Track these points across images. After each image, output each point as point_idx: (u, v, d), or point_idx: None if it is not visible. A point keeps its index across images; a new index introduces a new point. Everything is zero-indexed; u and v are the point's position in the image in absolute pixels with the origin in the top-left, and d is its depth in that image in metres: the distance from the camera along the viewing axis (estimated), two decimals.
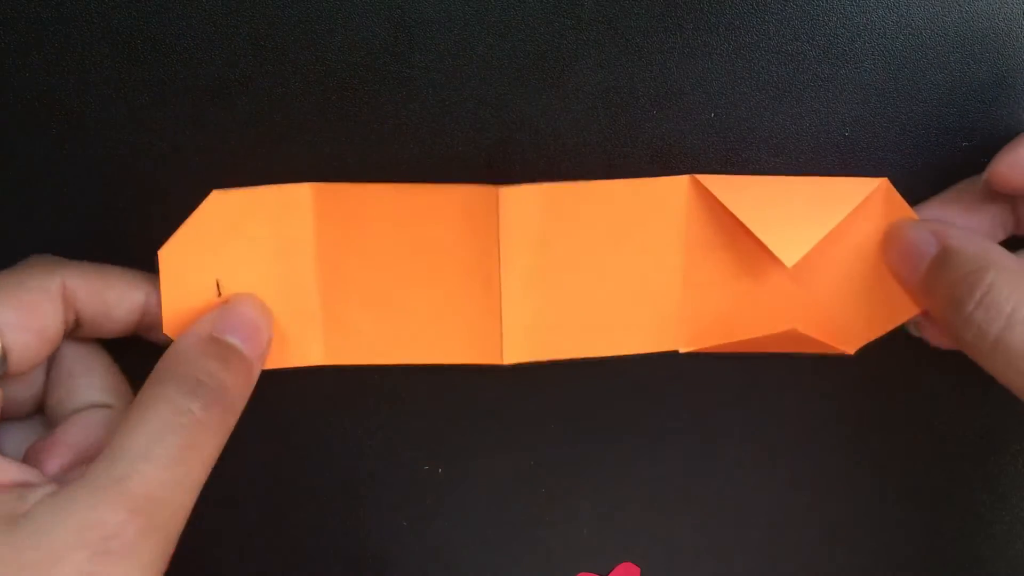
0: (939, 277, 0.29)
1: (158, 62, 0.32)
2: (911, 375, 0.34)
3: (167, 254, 0.31)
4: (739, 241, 0.32)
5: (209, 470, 0.28)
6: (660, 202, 0.32)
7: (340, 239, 0.32)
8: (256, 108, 0.32)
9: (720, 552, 0.36)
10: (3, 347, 0.28)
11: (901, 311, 0.32)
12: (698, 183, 0.32)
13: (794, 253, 0.31)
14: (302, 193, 0.32)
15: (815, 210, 0.31)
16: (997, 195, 0.31)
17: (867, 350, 0.33)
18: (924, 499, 0.35)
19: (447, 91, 0.32)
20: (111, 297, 0.30)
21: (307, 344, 0.33)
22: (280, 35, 0.31)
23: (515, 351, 0.32)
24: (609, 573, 0.36)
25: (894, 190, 0.31)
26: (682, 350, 0.33)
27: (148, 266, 0.33)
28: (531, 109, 0.32)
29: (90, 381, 0.31)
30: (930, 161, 0.32)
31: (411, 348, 0.33)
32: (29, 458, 0.29)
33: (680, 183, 0.32)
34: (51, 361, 0.31)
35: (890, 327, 0.32)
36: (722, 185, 0.31)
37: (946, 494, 0.35)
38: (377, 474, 0.35)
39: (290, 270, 0.32)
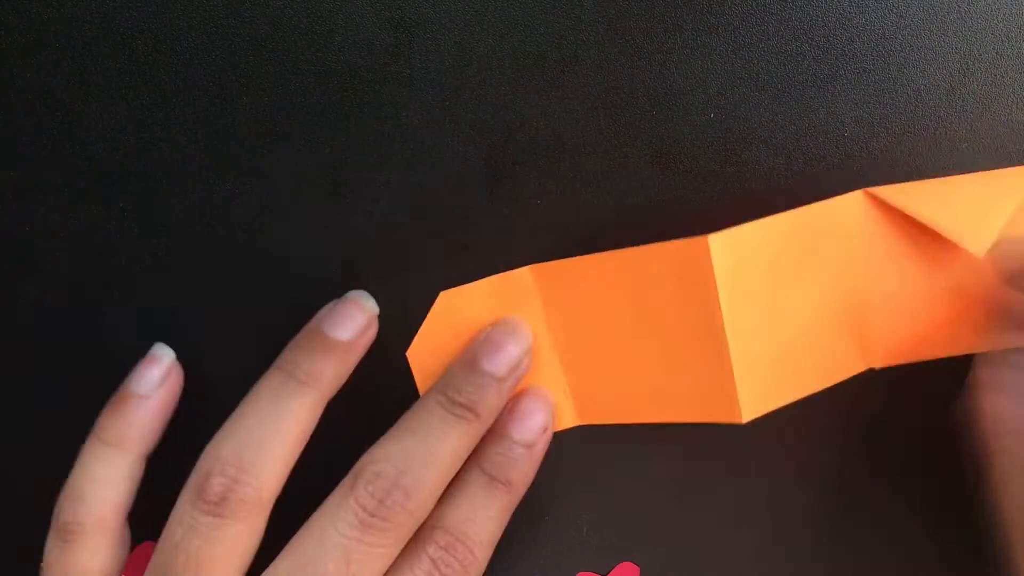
0: None
1: (158, 62, 0.32)
2: (910, 375, 0.34)
3: (414, 354, 0.32)
4: (917, 248, 0.31)
5: None
6: (837, 221, 0.31)
7: (568, 311, 0.32)
8: (256, 108, 0.32)
9: (720, 552, 0.36)
10: None
11: None
12: (870, 195, 0.31)
13: (982, 243, 0.30)
14: (524, 277, 0.32)
15: (990, 201, 0.30)
16: None
17: None
18: (924, 499, 0.35)
19: (447, 91, 0.32)
20: None
21: (561, 410, 0.33)
22: (280, 35, 0.31)
23: (751, 406, 0.31)
24: (609, 573, 0.36)
25: None
26: (876, 367, 0.33)
27: (148, 264, 0.33)
28: (531, 109, 0.32)
29: None
30: (930, 161, 0.32)
31: (651, 408, 0.32)
32: None
33: (854, 199, 0.31)
34: None
35: None
36: (895, 193, 0.31)
37: (946, 494, 0.35)
38: None
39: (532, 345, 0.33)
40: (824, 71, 0.32)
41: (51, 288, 0.33)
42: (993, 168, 0.32)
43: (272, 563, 0.29)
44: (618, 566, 0.36)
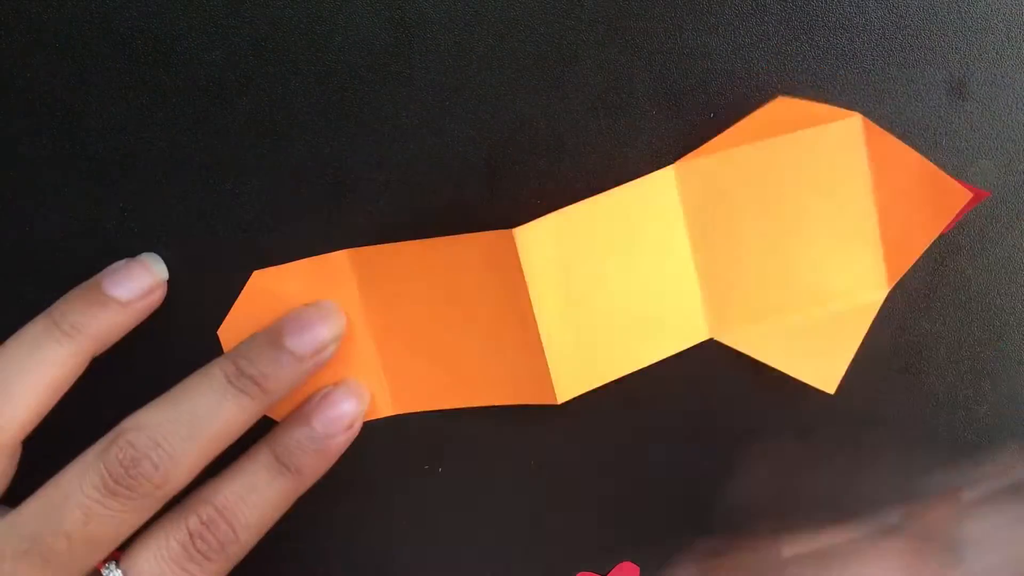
0: None
1: (158, 62, 0.32)
2: (909, 375, 0.34)
3: (225, 332, 0.33)
4: (740, 213, 0.32)
5: None
6: (654, 199, 0.32)
7: (384, 297, 0.32)
8: (256, 108, 0.32)
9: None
10: None
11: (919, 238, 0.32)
12: (683, 169, 0.32)
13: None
14: (340, 260, 0.32)
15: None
16: None
17: (865, 346, 0.33)
18: (924, 499, 0.35)
19: (447, 91, 0.32)
20: None
21: (379, 397, 0.33)
22: (280, 35, 0.31)
23: (565, 388, 0.32)
24: (609, 573, 0.36)
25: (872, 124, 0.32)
26: (718, 339, 0.33)
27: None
28: (531, 109, 0.32)
29: None
30: (930, 162, 0.32)
31: (468, 393, 0.33)
32: None
33: (667, 175, 0.32)
34: None
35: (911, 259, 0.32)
36: (708, 165, 0.31)
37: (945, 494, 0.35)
38: (377, 474, 0.35)
39: (345, 331, 0.33)
40: (824, 71, 0.32)
41: (51, 288, 0.33)
42: (993, 167, 0.32)
43: (19, 505, 0.29)
44: (618, 566, 0.36)
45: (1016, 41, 0.31)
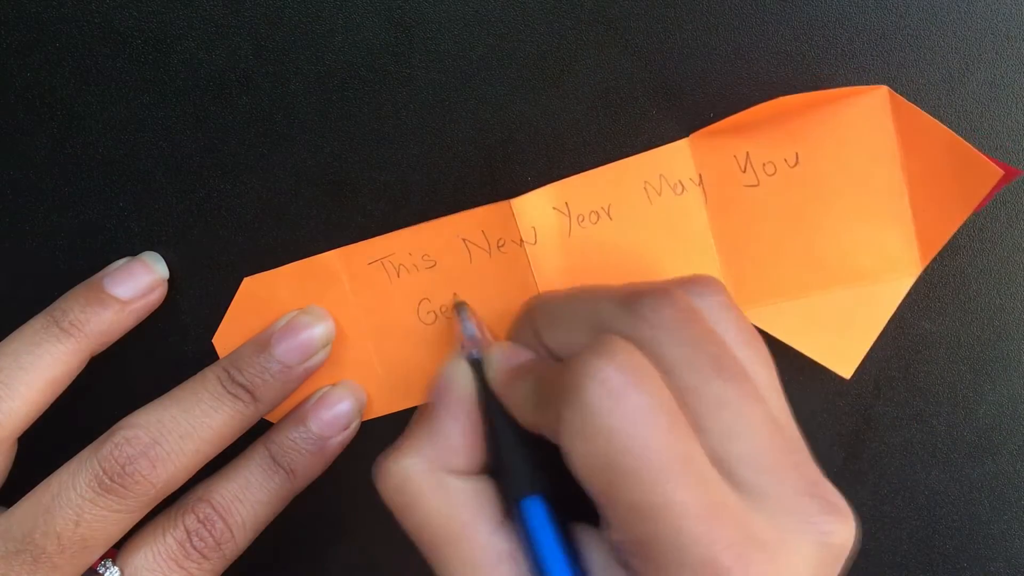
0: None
1: (158, 62, 0.32)
2: (910, 374, 0.34)
3: (220, 341, 0.33)
4: (752, 192, 0.32)
5: None
6: (669, 170, 0.32)
7: (377, 292, 0.32)
8: (256, 108, 0.32)
9: None
10: None
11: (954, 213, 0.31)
12: (697, 142, 0.31)
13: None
14: (330, 260, 0.32)
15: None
16: None
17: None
18: (923, 499, 0.35)
19: (447, 91, 0.32)
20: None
21: (377, 395, 0.33)
22: (280, 35, 0.31)
23: None
24: None
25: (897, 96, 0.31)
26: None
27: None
28: (531, 109, 0.32)
29: None
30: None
31: None
32: None
33: (682, 147, 0.32)
34: None
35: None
36: (720, 131, 0.31)
37: (945, 494, 0.35)
38: None
39: (340, 331, 0.33)
40: (824, 71, 0.32)
41: (51, 288, 0.33)
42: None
43: (15, 504, 0.29)
44: None
45: (1016, 41, 0.31)
